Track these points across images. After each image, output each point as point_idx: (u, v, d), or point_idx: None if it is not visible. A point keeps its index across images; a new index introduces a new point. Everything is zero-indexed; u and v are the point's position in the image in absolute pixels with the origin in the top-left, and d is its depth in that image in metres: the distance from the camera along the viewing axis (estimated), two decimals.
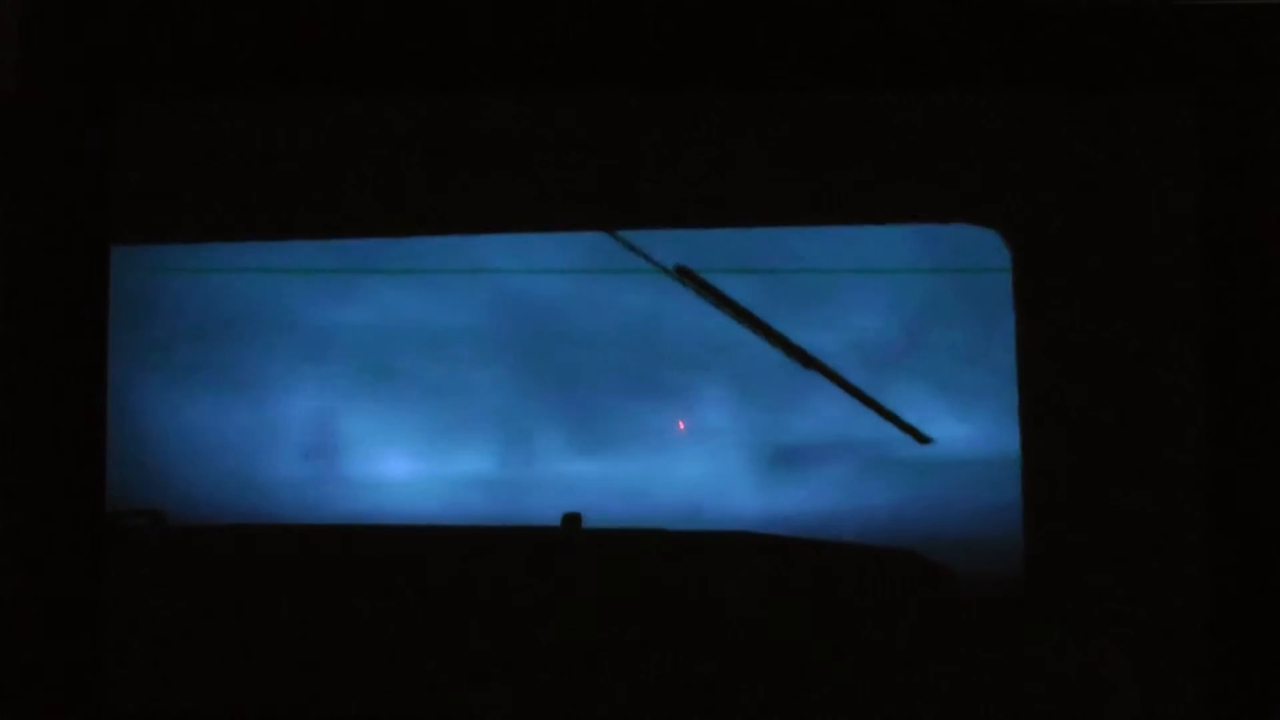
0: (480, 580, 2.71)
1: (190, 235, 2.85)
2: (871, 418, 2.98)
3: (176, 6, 2.53)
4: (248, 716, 2.64)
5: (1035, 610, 2.65)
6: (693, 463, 3.02)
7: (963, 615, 2.68)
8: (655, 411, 3.06)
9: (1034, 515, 2.69)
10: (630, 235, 2.97)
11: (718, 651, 2.64)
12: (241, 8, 2.53)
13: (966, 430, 2.95)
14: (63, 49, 2.52)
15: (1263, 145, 2.51)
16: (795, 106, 2.68)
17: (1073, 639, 2.61)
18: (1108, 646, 2.60)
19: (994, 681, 2.61)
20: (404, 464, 3.06)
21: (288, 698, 2.65)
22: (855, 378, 3.02)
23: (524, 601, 2.68)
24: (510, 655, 2.65)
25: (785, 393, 3.03)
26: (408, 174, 2.76)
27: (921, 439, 3.00)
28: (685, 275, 2.99)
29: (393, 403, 3.07)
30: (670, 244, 2.97)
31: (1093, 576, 2.62)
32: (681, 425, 3.04)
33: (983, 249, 2.86)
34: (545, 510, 2.91)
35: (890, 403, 3.02)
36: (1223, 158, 2.51)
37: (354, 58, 2.55)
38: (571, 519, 2.83)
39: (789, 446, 3.01)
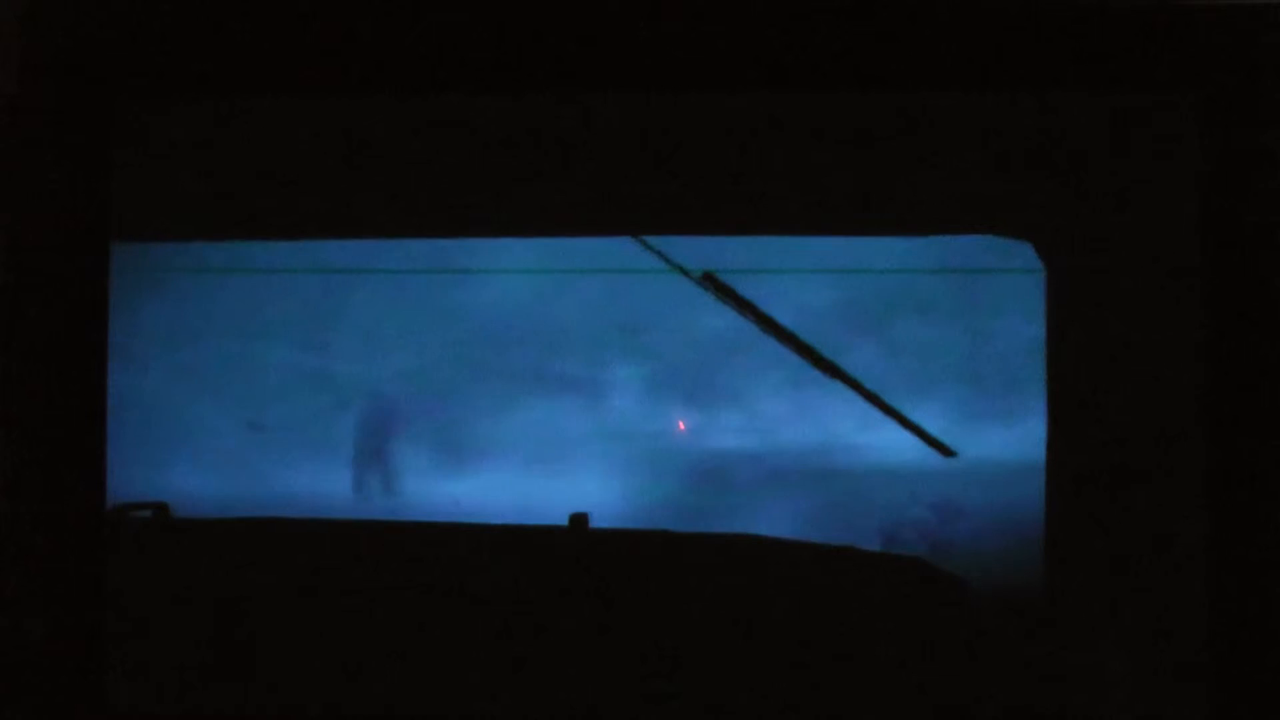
0: (485, 579, 2.71)
1: (190, 235, 2.86)
2: (813, 420, 2.94)
3: (176, 7, 2.53)
4: (250, 714, 2.65)
5: (1039, 613, 2.66)
6: (584, 481, 2.85)
7: (968, 621, 2.68)
8: (542, 414, 2.89)
9: (1058, 522, 2.69)
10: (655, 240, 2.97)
11: (722, 654, 2.64)
12: (241, 8, 2.53)
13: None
14: (63, 49, 2.52)
15: (1263, 145, 2.51)
16: (820, 117, 2.68)
17: (1076, 642, 2.62)
18: (1110, 648, 2.60)
19: (996, 685, 2.61)
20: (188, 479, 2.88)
21: (290, 695, 2.66)
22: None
23: (529, 601, 2.68)
24: (514, 654, 2.65)
25: (717, 388, 2.91)
26: (414, 175, 2.77)
27: (946, 452, 2.99)
28: (711, 282, 2.99)
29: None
30: (690, 249, 2.95)
31: (1102, 580, 2.62)
32: (681, 425, 3.03)
33: (977, 252, 2.85)
34: None
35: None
36: (1223, 157, 2.51)
37: (355, 59, 2.55)
38: (578, 519, 2.84)
39: (718, 456, 2.87)
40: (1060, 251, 2.76)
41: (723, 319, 2.96)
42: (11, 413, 2.50)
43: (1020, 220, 2.80)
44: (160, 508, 2.89)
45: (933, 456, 2.95)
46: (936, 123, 2.67)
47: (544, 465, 2.87)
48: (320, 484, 2.88)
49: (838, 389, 2.97)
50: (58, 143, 2.51)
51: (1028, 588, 2.72)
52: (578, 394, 2.92)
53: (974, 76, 2.52)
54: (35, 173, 2.51)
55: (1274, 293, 2.49)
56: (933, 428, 2.97)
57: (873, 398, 2.97)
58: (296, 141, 2.73)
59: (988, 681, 2.61)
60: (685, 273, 2.98)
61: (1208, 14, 2.51)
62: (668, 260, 2.97)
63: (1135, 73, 2.52)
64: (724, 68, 2.51)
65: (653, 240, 2.97)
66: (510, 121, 2.71)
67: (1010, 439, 2.82)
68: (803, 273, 3.02)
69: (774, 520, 2.86)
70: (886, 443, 2.97)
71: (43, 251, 2.51)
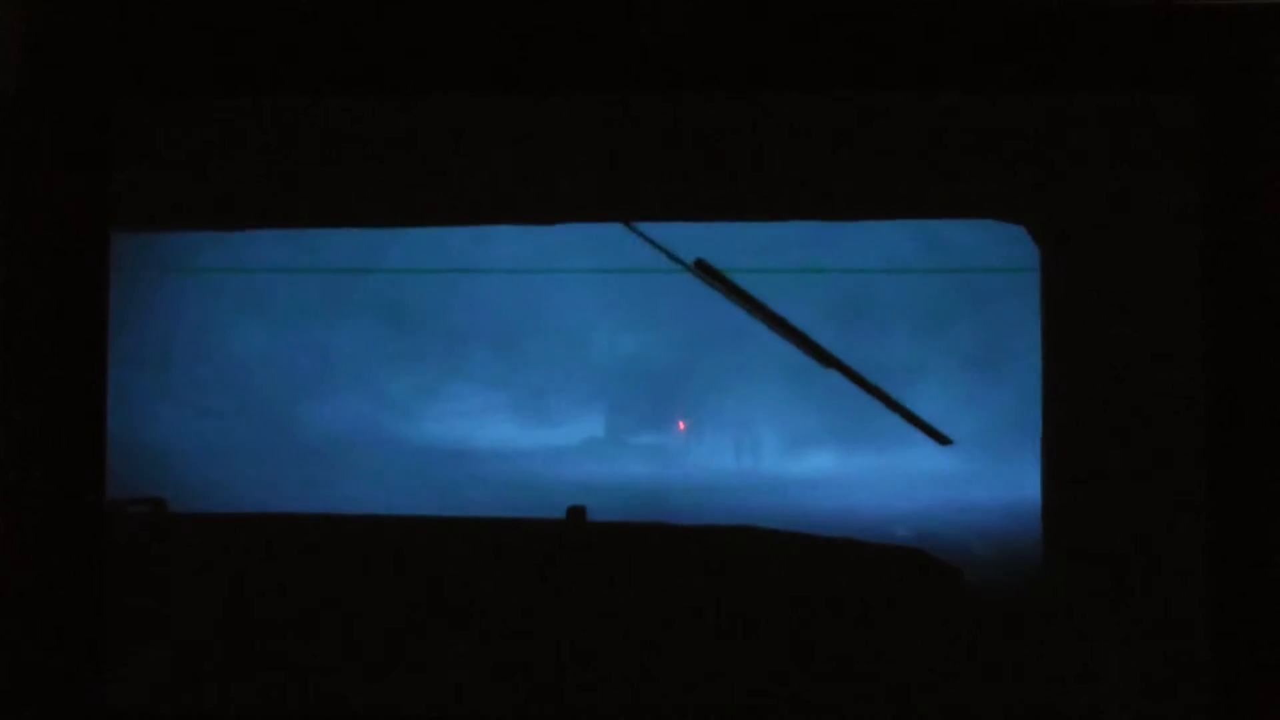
0: (484, 573, 2.71)
1: (189, 235, 2.86)
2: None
3: (176, 7, 2.53)
4: (247, 711, 2.65)
5: (1039, 613, 2.65)
6: None
7: (966, 613, 2.67)
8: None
9: (1054, 515, 2.68)
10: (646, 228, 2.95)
11: (721, 646, 2.64)
12: (241, 8, 2.53)
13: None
14: (63, 49, 2.52)
15: (1263, 145, 2.51)
16: (821, 106, 2.68)
17: (1075, 640, 2.61)
18: (1110, 647, 2.60)
19: (996, 679, 2.61)
20: None
21: (288, 691, 2.65)
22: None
23: (528, 594, 2.68)
24: (514, 648, 2.65)
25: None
26: (409, 170, 2.77)
27: (942, 440, 2.98)
28: (704, 270, 2.98)
29: None
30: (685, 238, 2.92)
31: (1101, 579, 2.62)
32: (682, 425, 3.02)
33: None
34: None
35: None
36: (1223, 157, 2.51)
37: (354, 59, 2.55)
38: (576, 512, 2.83)
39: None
40: (1055, 237, 2.75)
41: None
42: (12, 412, 2.50)
43: (1015, 205, 2.79)
44: (157, 503, 2.89)
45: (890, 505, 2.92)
46: (936, 117, 2.67)
47: None
48: None
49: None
50: (58, 143, 2.51)
51: (1027, 584, 2.72)
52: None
53: (974, 76, 2.52)
54: (35, 173, 2.51)
55: (1273, 292, 2.49)
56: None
57: (870, 387, 2.96)
58: (295, 140, 2.73)
59: (985, 672, 2.61)
60: (677, 260, 2.97)
61: (1208, 14, 2.51)
62: (659, 247, 2.97)
63: (1135, 72, 2.52)
64: (725, 67, 2.52)
65: (644, 227, 2.97)
66: (508, 116, 2.71)
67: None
68: (791, 271, 3.01)
69: None
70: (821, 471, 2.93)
71: (43, 250, 2.51)
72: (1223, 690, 2.46)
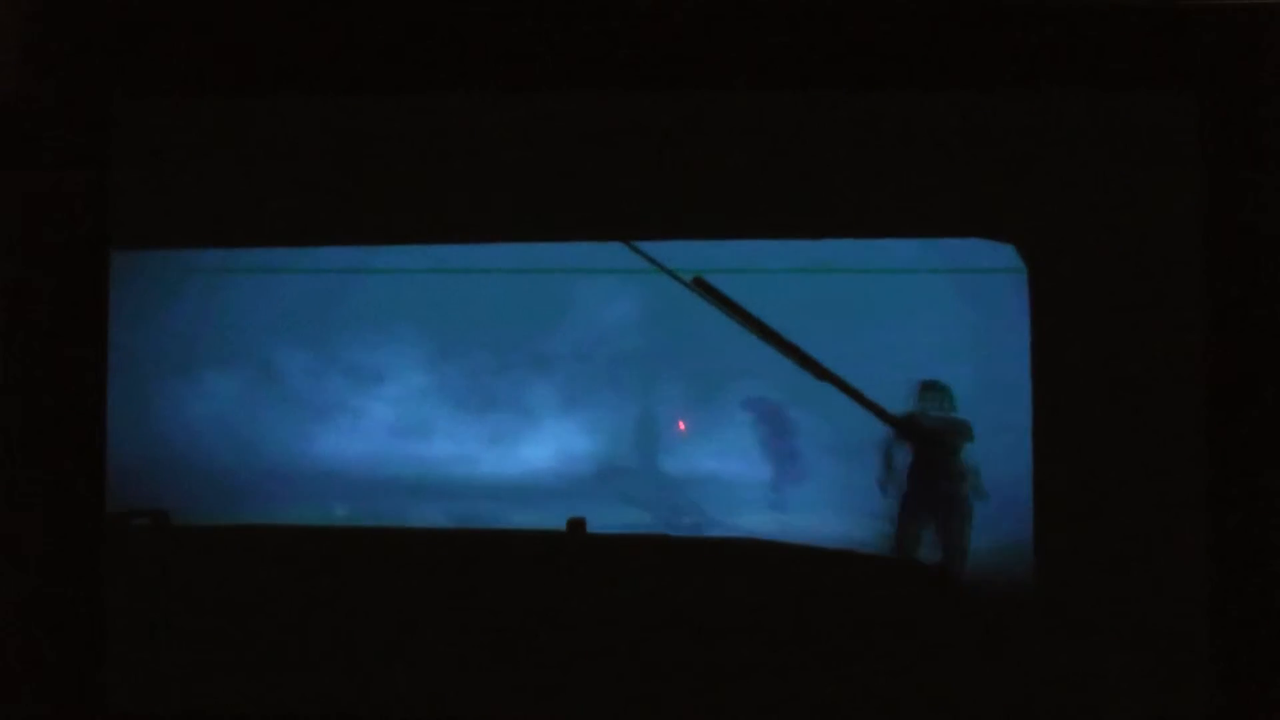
0: (484, 583, 2.71)
1: (189, 236, 2.84)
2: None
3: (176, 8, 2.53)
4: (248, 716, 2.64)
5: (1038, 613, 2.66)
6: None
7: (963, 620, 2.68)
8: None
9: (1045, 520, 2.68)
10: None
11: (720, 654, 2.64)
12: (241, 11, 2.52)
13: None
14: (63, 51, 2.52)
15: (1263, 145, 2.51)
16: (807, 120, 2.68)
17: (1075, 640, 2.62)
18: (1110, 647, 2.60)
19: (994, 683, 2.61)
20: None
21: (288, 698, 2.65)
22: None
23: (528, 604, 2.68)
24: (513, 657, 2.65)
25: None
26: (414, 180, 2.76)
27: None
28: (702, 287, 2.98)
29: None
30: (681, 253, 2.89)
31: (1098, 580, 2.62)
32: (681, 425, 3.02)
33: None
34: None
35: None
36: (1223, 157, 2.51)
37: (353, 59, 2.54)
38: (576, 524, 2.83)
39: None
40: (1044, 252, 2.75)
41: None
42: (12, 415, 2.49)
43: (1005, 222, 2.79)
44: (159, 514, 2.89)
45: None
46: (926, 124, 2.67)
47: None
48: None
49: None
50: (58, 144, 2.51)
51: (1024, 587, 2.72)
52: None
53: (973, 76, 2.52)
54: (35, 174, 2.50)
55: (1273, 291, 2.49)
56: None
57: (866, 401, 2.96)
58: (293, 142, 2.72)
59: (985, 678, 2.62)
60: (675, 276, 2.97)
61: (1208, 14, 2.51)
62: (658, 264, 2.97)
63: (1135, 73, 2.52)
64: (717, 69, 2.51)
65: (642, 245, 2.96)
66: (508, 126, 2.70)
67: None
68: (790, 272, 3.01)
69: None
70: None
71: (43, 252, 2.50)
72: (1223, 690, 2.46)
